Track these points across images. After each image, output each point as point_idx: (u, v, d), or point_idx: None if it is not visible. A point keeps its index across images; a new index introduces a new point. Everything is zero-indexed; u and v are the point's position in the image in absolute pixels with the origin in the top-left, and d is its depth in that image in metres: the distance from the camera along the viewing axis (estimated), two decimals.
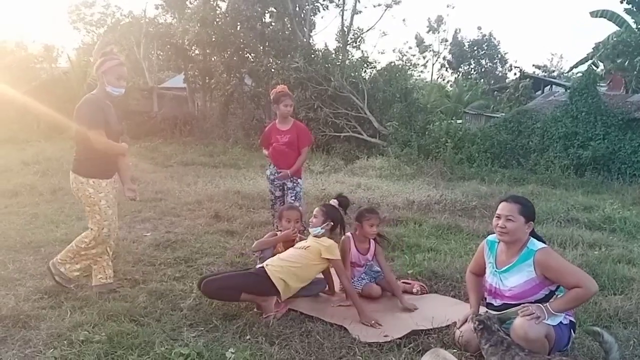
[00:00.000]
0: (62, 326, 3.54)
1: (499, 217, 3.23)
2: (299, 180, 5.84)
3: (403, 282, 4.65)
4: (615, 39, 17.11)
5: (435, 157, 14.01)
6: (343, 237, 4.50)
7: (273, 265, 3.99)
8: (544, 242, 3.28)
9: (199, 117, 23.00)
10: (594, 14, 17.71)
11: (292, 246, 4.36)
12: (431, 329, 3.67)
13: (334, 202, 4.42)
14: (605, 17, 17.78)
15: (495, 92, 30.30)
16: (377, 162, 14.21)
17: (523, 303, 3.14)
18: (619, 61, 16.08)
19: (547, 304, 3.09)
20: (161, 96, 24.83)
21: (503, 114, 18.25)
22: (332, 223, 4.20)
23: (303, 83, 17.32)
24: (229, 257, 5.40)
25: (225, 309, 3.91)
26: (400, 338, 3.53)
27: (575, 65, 20.01)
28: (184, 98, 25.12)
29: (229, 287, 3.82)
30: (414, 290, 4.56)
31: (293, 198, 5.77)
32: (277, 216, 4.92)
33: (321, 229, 4.17)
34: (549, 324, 3.03)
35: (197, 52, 23.47)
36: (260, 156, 16.50)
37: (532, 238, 3.24)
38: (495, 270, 3.34)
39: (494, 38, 44.65)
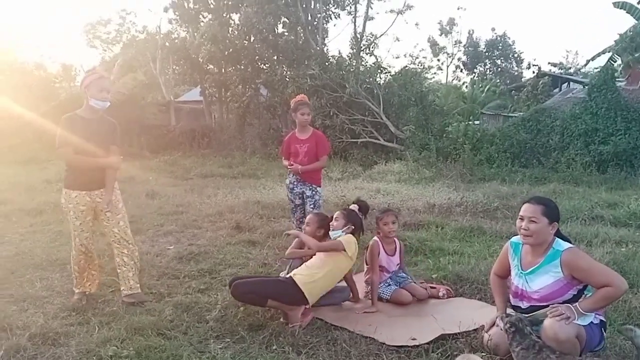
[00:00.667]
0: (90, 342, 3.57)
1: (522, 219, 3.19)
2: (317, 188, 5.82)
3: (430, 287, 4.63)
4: (632, 32, 16.86)
5: (454, 159, 13.93)
6: (371, 241, 4.59)
7: (301, 274, 4.03)
8: (570, 242, 3.23)
9: (216, 129, 23.20)
10: (617, 5, 17.49)
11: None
12: (459, 333, 3.64)
13: (354, 206, 4.48)
14: (624, 10, 17.55)
15: (512, 91, 30.01)
16: (395, 166, 14.18)
17: (551, 304, 3.10)
18: (637, 55, 15.82)
19: (577, 303, 3.04)
20: (178, 110, 25.12)
21: (521, 113, 18.07)
22: (352, 227, 4.27)
23: (318, 91, 17.39)
24: (252, 267, 5.43)
25: (250, 320, 3.92)
26: (428, 343, 3.50)
27: (592, 59, 19.74)
28: (200, 111, 25.36)
29: (256, 293, 3.85)
30: (440, 294, 4.54)
31: (312, 206, 5.76)
32: (306, 222, 4.92)
33: (342, 232, 4.22)
34: (579, 324, 2.99)
35: (211, 65, 23.71)
36: (279, 165, 16.56)
37: (557, 238, 3.19)
38: (521, 272, 3.30)
39: (508, 37, 44.34)
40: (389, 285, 4.55)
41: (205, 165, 16.72)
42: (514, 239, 3.44)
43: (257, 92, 22.35)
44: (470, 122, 19.06)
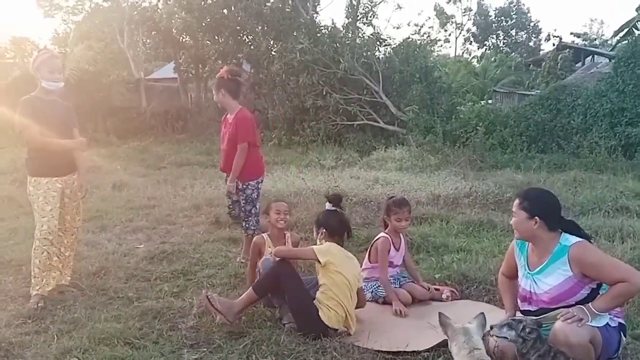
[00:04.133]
0: (49, 353, 3.60)
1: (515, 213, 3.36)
2: (250, 182, 5.73)
3: (433, 288, 4.69)
4: None
5: (463, 144, 13.99)
6: (380, 237, 4.62)
7: (318, 303, 3.97)
8: (586, 237, 3.27)
9: (193, 110, 23.14)
10: None
11: (283, 244, 4.60)
12: None
13: (328, 205, 4.35)
14: None
15: (529, 66, 30.07)
16: (396, 152, 14.22)
17: (563, 307, 3.15)
18: None
19: (590, 304, 3.09)
20: (149, 89, 25.00)
21: (539, 91, 18.15)
22: (324, 230, 4.18)
23: (309, 66, 17.36)
24: (232, 268, 5.46)
25: (229, 326, 3.95)
26: (428, 350, 3.55)
27: (620, 30, 19.79)
28: (175, 90, 25.26)
29: (283, 284, 3.96)
30: (444, 296, 4.60)
31: (243, 201, 5.73)
32: (263, 210, 5.04)
33: (318, 240, 4.22)
34: (593, 326, 3.04)
35: (187, 38, 23.57)
36: (263, 151, 16.54)
37: (564, 233, 3.24)
38: (528, 273, 3.35)
39: (523, 4, 44.35)
40: (391, 284, 4.61)
41: (180, 152, 16.70)
42: None
43: (239, 68, 22.28)
44: (483, 102, 19.13)
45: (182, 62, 24.30)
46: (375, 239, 4.75)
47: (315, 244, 4.24)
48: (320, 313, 3.88)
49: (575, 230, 3.28)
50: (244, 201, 5.73)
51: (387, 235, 4.65)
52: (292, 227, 6.62)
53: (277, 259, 4.12)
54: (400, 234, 4.76)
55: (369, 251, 4.76)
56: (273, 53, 19.76)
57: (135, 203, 8.82)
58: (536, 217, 3.21)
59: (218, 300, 4.02)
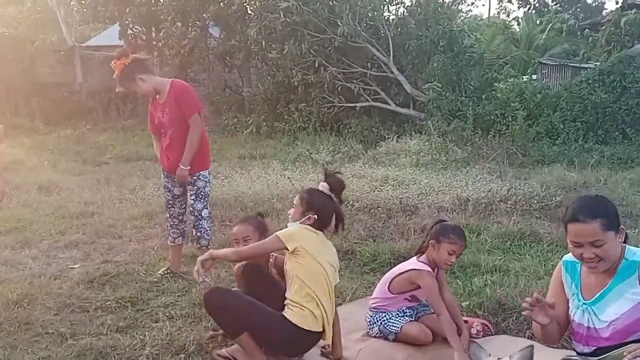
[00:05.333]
0: None
1: (578, 245, 3.23)
2: (201, 172, 5.94)
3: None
4: None
5: (498, 133, 14.01)
6: (419, 269, 4.54)
7: (287, 308, 4.09)
8: None
9: None
10: None
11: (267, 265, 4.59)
12: None
13: (323, 186, 4.40)
14: None
15: (586, 30, 30.12)
16: (412, 143, 14.20)
17: (632, 342, 3.15)
18: None
19: None
20: (87, 60, 24.88)
21: (598, 64, 18.20)
22: (315, 216, 4.24)
23: (296, 31, 17.31)
24: (196, 294, 5.46)
25: None
26: None
27: None
28: None
29: (239, 312, 3.98)
30: (473, 331, 4.63)
31: (193, 197, 5.95)
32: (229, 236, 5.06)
33: (299, 223, 4.24)
34: None
35: None
36: (238, 142, 16.61)
37: (627, 246, 3.27)
38: (584, 304, 3.37)
39: None
40: (403, 315, 4.64)
41: (127, 142, 16.70)
42: (568, 256, 3.49)
43: (204, 32, 22.21)
44: (527, 77, 19.13)
45: (129, 24, 24.20)
46: (409, 268, 4.62)
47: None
48: (289, 315, 4.00)
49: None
50: (193, 198, 5.85)
51: (429, 269, 4.53)
52: None
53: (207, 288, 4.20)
54: (438, 269, 4.67)
55: (393, 278, 4.69)
56: (249, 12, 19.70)
57: (68, 210, 8.81)
58: (620, 227, 3.23)
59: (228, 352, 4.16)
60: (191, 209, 6.00)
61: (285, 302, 4.10)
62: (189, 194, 5.98)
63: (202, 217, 5.97)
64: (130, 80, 5.77)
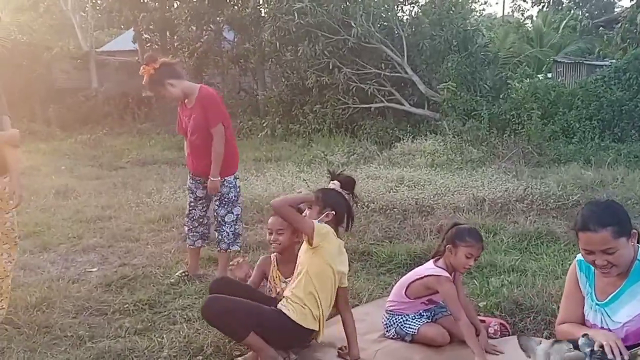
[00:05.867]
0: None
1: (590, 253, 3.23)
2: (226, 177, 5.95)
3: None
4: None
5: (514, 132, 13.98)
6: (437, 274, 4.51)
7: (287, 302, 4.14)
8: None
9: None
10: None
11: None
12: None
13: (334, 184, 4.46)
14: None
15: (600, 28, 29.98)
16: (427, 144, 14.20)
17: None
18: None
19: None
20: (102, 65, 25.03)
21: (614, 61, 18.11)
22: (333, 212, 4.27)
23: (310, 33, 17.33)
24: None
25: None
26: None
27: None
28: (135, 66, 25.15)
29: (240, 315, 3.98)
30: (491, 330, 4.61)
31: (217, 203, 5.99)
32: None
33: (318, 221, 4.25)
34: None
35: None
36: (254, 145, 16.63)
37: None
38: (597, 304, 3.36)
39: None
40: (420, 317, 4.63)
41: (143, 147, 16.79)
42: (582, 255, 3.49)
43: (218, 35, 22.29)
44: (542, 76, 19.07)
45: (143, 29, 24.32)
46: (427, 273, 4.58)
47: None
48: (287, 310, 4.04)
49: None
50: (217, 203, 5.88)
51: (448, 275, 4.49)
52: None
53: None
54: (455, 272, 4.65)
55: (410, 283, 4.66)
56: (263, 15, 19.75)
57: (85, 214, 8.86)
58: (633, 231, 3.21)
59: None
60: (215, 214, 6.04)
61: (286, 295, 4.16)
62: (214, 199, 6.02)
63: (225, 222, 6.00)
64: (159, 86, 5.79)
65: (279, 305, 4.15)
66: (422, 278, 4.58)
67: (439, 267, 4.54)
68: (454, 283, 4.54)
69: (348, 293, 4.47)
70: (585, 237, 3.19)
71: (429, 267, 4.61)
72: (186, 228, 6.26)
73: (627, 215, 3.26)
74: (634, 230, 3.21)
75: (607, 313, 3.30)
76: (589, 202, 3.40)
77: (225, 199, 5.96)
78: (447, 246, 4.52)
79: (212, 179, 5.81)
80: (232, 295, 4.16)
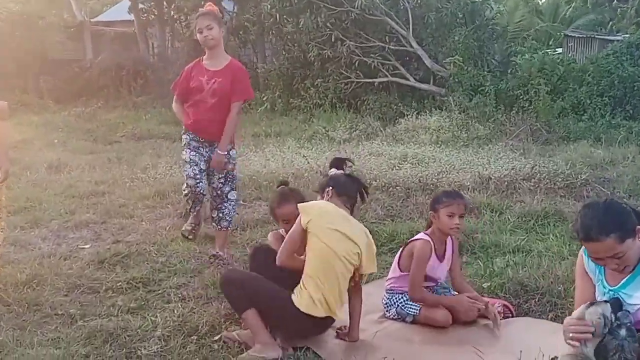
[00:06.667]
0: None
1: (599, 259, 3.26)
2: (232, 152, 6.01)
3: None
4: None
5: (522, 109, 13.94)
6: (419, 239, 4.60)
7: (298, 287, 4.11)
8: None
9: (156, 64, 23.06)
10: None
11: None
12: None
13: (332, 172, 4.61)
14: None
15: (614, 0, 29.84)
16: (432, 120, 14.19)
17: None
18: None
19: None
20: (97, 36, 24.93)
21: (627, 36, 18.01)
22: (331, 188, 4.28)
23: (312, 4, 17.24)
24: (209, 275, 5.48)
25: (204, 352, 4.00)
26: None
27: None
28: (132, 37, 25.17)
29: (249, 290, 4.03)
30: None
31: (222, 181, 5.98)
32: (272, 215, 5.00)
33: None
34: None
35: None
36: (252, 120, 16.58)
37: None
38: (609, 290, 3.36)
39: None
40: None
41: (139, 120, 16.74)
42: None
43: (217, 6, 22.19)
44: (550, 51, 18.97)
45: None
46: (411, 239, 4.74)
47: None
48: (293, 294, 4.04)
49: None
50: (222, 181, 5.85)
51: (428, 238, 4.60)
52: None
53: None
54: (448, 239, 4.71)
55: (400, 254, 4.74)
56: None
57: (78, 189, 8.85)
58: (637, 228, 3.21)
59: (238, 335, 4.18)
60: (219, 191, 6.00)
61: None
62: (217, 176, 5.99)
63: (227, 199, 6.00)
64: (220, 24, 5.99)
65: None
66: (407, 245, 4.69)
67: (426, 235, 4.64)
68: (451, 252, 4.70)
69: (364, 278, 4.43)
70: (590, 247, 3.24)
71: (417, 235, 4.71)
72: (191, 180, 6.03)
73: (629, 213, 3.25)
74: (639, 227, 3.20)
75: (621, 297, 3.30)
76: (586, 206, 3.35)
77: (230, 176, 5.95)
78: (431, 214, 4.64)
79: (219, 152, 5.82)
80: (265, 266, 4.24)
